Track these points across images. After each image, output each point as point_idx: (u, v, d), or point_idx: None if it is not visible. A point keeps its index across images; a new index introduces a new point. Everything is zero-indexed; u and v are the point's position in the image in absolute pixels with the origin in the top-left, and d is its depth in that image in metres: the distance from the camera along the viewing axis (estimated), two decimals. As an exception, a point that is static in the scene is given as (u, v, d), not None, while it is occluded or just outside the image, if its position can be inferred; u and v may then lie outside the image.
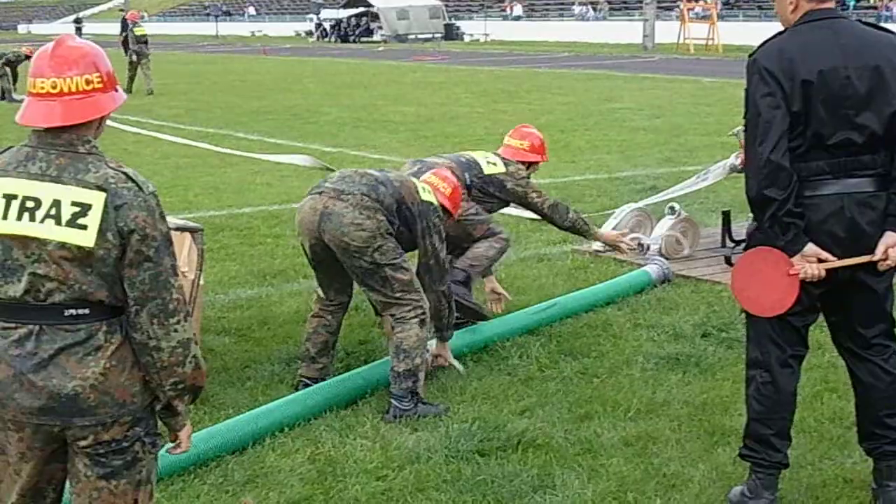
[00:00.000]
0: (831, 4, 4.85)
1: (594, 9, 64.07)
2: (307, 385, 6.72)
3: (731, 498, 5.21)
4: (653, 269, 9.05)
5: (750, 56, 4.82)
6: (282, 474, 5.60)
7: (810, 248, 4.75)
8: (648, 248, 9.63)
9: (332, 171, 11.69)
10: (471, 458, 5.74)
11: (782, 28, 4.92)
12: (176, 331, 3.48)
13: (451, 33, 63.76)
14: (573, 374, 7.05)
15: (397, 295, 6.48)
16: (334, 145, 18.44)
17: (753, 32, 50.58)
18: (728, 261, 9.44)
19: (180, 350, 3.50)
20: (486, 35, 62.43)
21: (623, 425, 6.18)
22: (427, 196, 6.78)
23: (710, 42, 48.10)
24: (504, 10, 69.91)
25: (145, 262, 3.42)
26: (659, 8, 52.27)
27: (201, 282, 6.73)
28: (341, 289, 6.90)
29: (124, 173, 3.45)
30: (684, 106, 24.15)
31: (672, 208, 9.88)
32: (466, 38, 63.44)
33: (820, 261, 4.76)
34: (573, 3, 66.30)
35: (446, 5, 68.93)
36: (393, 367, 6.43)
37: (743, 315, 5.22)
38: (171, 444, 3.77)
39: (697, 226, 10.14)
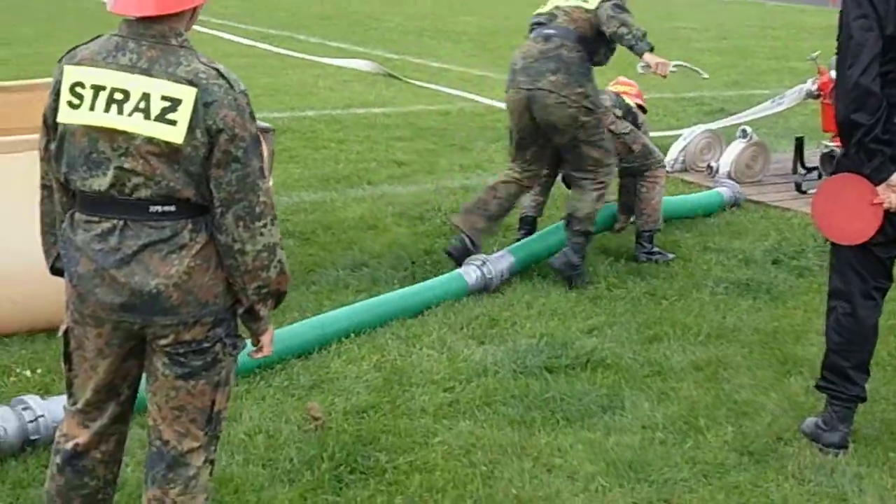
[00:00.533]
0: None
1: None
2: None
3: (804, 429, 5.11)
4: (724, 191, 8.89)
5: None
6: (347, 381, 5.54)
7: None
8: (717, 171, 9.48)
9: (397, 77, 11.65)
10: (539, 374, 5.66)
11: None
12: (262, 234, 3.38)
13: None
14: (641, 295, 6.94)
15: (588, 166, 7.12)
16: (396, 52, 18.25)
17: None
18: (798, 187, 9.28)
19: (265, 254, 3.40)
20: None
21: (693, 349, 6.09)
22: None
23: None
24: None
25: (233, 163, 3.31)
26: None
27: (270, 183, 6.66)
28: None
29: (215, 69, 3.35)
30: (750, 29, 23.75)
31: (744, 131, 9.69)
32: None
33: None
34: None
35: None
36: (568, 225, 7.14)
37: (821, 242, 5.08)
38: (253, 348, 3.70)
39: (769, 150, 9.94)
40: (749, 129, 9.71)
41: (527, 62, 7.02)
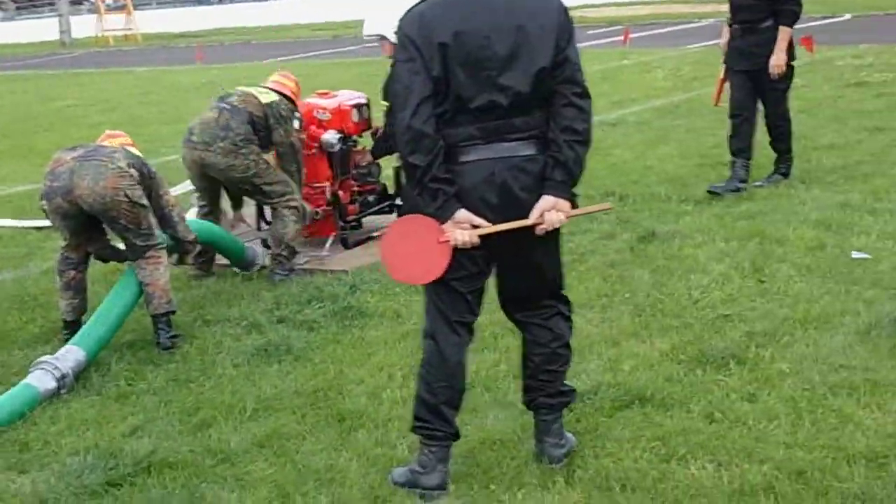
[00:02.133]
0: None
1: (1, 10, 61.29)
2: None
3: (397, 479, 5.02)
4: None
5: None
6: None
7: (462, 213, 4.65)
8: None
9: None
10: (104, 491, 5.19)
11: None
12: None
13: None
14: (165, 384, 6.57)
15: (275, 199, 8.46)
16: None
17: (169, 19, 51.06)
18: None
19: None
20: None
21: (247, 427, 5.83)
22: (267, 97, 8.48)
23: (129, 32, 47.38)
24: None
25: None
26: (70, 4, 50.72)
27: None
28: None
29: None
30: (133, 98, 23.57)
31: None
32: None
33: (474, 227, 4.65)
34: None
35: None
36: (272, 251, 8.54)
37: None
38: None
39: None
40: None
41: None
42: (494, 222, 4.67)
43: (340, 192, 9.30)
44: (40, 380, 6.43)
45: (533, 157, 4.68)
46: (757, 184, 10.25)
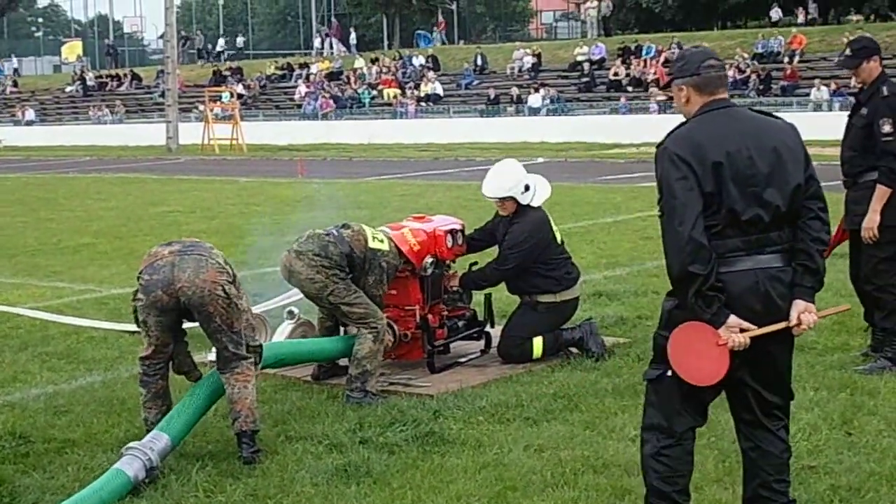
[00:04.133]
0: (724, 95, 5.31)
1: (111, 112, 62.81)
2: None
3: None
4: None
5: (659, 145, 5.25)
6: None
7: (732, 319, 5.14)
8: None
9: None
10: None
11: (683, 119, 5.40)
12: None
13: (-44, 141, 60.59)
14: (243, 498, 6.61)
15: (354, 320, 8.57)
16: None
17: (272, 131, 52.06)
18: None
19: None
20: (0, 141, 59.79)
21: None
22: (376, 243, 8.73)
23: (234, 142, 48.36)
24: (15, 115, 67.17)
25: None
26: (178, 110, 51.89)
27: None
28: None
29: None
30: (234, 206, 23.98)
31: (291, 312, 9.61)
32: (-25, 145, 60.43)
33: (742, 331, 5.13)
34: (89, 108, 64.68)
35: (-50, 112, 65.59)
36: (349, 370, 8.53)
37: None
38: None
39: (315, 329, 9.91)
40: (296, 310, 9.64)
41: None
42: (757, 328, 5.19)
43: (430, 316, 9.35)
44: (132, 465, 6.62)
45: (784, 268, 5.25)
46: (859, 369, 8.88)
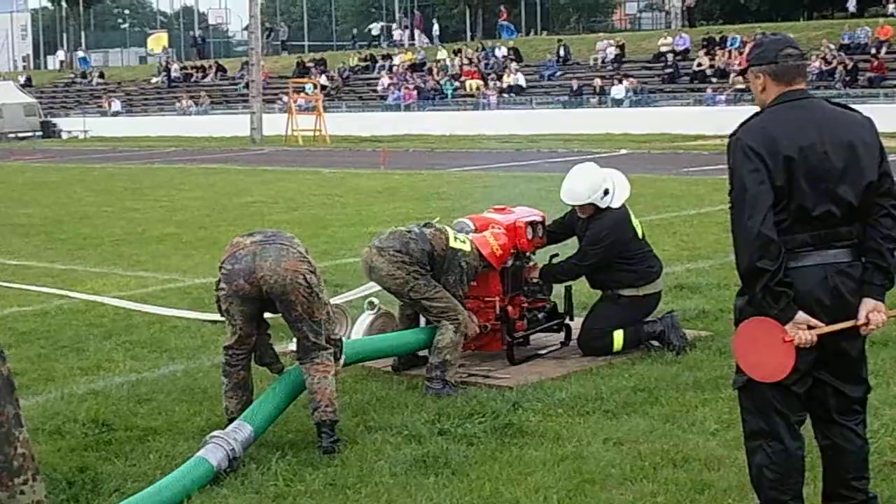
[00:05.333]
0: (802, 86, 5.22)
1: (196, 103, 63.46)
2: None
3: None
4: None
5: (731, 135, 5.18)
6: None
7: (801, 315, 5.09)
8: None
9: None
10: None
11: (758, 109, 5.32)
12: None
13: (48, 131, 61.51)
14: (322, 487, 6.64)
15: (435, 314, 8.66)
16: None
17: (355, 122, 52.28)
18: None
19: None
20: (86, 132, 60.66)
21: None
22: (457, 243, 8.79)
23: (318, 133, 48.63)
24: (102, 106, 68.11)
25: None
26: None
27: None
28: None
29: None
30: (317, 197, 24.09)
31: (371, 303, 9.64)
32: (64, 136, 61.34)
33: (809, 327, 5.08)
34: (175, 99, 65.46)
35: (40, 102, 66.49)
36: (430, 360, 8.61)
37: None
38: None
39: (396, 320, 9.93)
40: (376, 301, 9.67)
41: None
42: (826, 324, 5.12)
43: (510, 308, 9.34)
44: (215, 454, 6.72)
45: (853, 263, 5.18)
46: None
